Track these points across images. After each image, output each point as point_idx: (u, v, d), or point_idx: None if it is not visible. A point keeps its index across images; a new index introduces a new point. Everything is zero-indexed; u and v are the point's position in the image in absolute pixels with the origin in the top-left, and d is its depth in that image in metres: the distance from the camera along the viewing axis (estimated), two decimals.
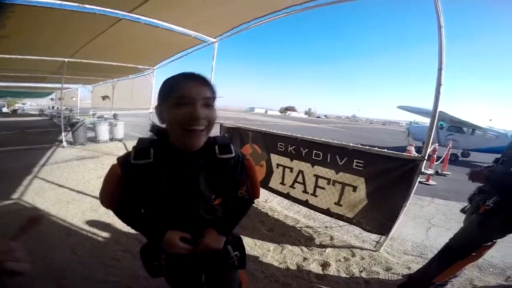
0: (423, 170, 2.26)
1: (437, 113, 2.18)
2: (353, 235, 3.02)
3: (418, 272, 2.16)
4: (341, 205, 2.83)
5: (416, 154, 2.40)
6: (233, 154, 0.98)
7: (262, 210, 3.61)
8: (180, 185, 0.90)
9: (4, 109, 25.67)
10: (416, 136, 13.09)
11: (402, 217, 2.46)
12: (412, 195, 2.34)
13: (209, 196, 0.95)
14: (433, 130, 2.23)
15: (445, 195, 5.20)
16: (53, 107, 24.22)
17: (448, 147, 8.20)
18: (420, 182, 2.33)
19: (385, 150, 2.48)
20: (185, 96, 0.79)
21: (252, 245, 2.66)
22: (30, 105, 35.88)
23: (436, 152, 6.35)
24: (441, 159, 6.94)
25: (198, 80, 0.82)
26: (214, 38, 4.57)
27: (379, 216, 2.56)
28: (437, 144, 7.60)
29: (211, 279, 1.17)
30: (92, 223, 2.94)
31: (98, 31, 4.20)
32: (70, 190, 4.00)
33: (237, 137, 4.23)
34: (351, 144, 2.70)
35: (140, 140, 0.92)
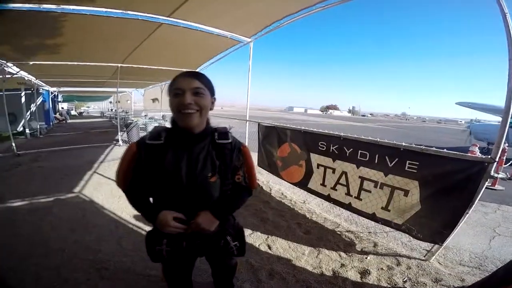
0: (492, 173, 1.93)
1: (511, 108, 1.84)
2: (400, 242, 2.75)
3: (474, 286, 1.84)
4: (389, 210, 2.58)
5: (481, 155, 2.07)
6: (230, 140, 1.15)
7: (300, 211, 3.48)
8: (182, 161, 1.05)
9: (73, 112, 29.28)
10: (479, 136, 11.56)
11: (461, 225, 2.16)
12: (477, 201, 2.02)
13: (206, 172, 1.08)
14: (506, 129, 1.89)
15: None
16: (111, 109, 26.88)
17: None
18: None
19: (445, 150, 2.18)
20: (178, 88, 1.00)
21: (285, 247, 2.57)
22: (93, 107, 40.33)
23: (506, 154, 5.51)
24: (510, 162, 6.06)
25: (189, 75, 1.03)
26: (249, 37, 4.61)
27: (434, 223, 2.28)
28: (506, 144, 6.61)
29: (212, 261, 1.41)
30: (138, 216, 3.11)
31: (143, 37, 4.52)
32: None
33: (275, 136, 4.16)
34: (404, 144, 2.43)
35: (155, 127, 1.14)
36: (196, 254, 1.25)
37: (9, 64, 6.19)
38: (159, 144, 1.06)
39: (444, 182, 2.18)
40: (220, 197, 1.14)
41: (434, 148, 2.24)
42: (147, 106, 17.86)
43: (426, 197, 2.30)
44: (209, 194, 1.10)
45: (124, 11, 3.34)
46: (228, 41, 4.81)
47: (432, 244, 2.37)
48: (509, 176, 6.25)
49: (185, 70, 1.09)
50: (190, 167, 1.06)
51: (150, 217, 1.10)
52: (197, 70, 1.09)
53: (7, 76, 6.50)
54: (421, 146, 2.33)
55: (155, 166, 1.05)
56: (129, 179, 1.12)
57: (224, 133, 1.15)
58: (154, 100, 16.07)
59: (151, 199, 1.17)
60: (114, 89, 12.91)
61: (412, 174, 2.36)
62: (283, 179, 4.10)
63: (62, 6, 3.08)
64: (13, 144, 6.71)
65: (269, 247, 2.55)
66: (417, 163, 2.32)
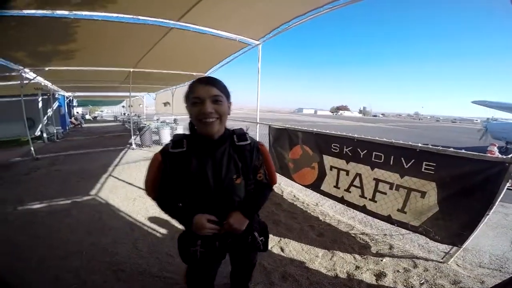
0: None
1: None
2: (417, 244, 2.69)
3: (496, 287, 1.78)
4: (405, 212, 2.53)
5: (500, 155, 2.00)
6: (249, 141, 1.19)
7: (312, 213, 3.45)
8: (207, 166, 1.09)
9: (87, 116, 30.04)
10: (497, 135, 11.15)
11: (480, 226, 2.10)
12: (498, 202, 1.96)
13: (231, 175, 1.12)
14: None
15: None
16: (124, 113, 27.38)
17: None
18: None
19: (463, 151, 2.12)
20: (197, 97, 1.02)
21: (298, 250, 2.56)
22: (106, 112, 41.21)
23: None
24: None
25: (207, 83, 1.03)
26: (257, 40, 4.64)
27: (453, 225, 2.22)
28: None
29: (236, 257, 1.45)
30: (153, 219, 3.18)
31: (154, 41, 4.61)
32: (137, 188, 4.42)
33: (286, 138, 4.14)
34: (420, 145, 2.37)
35: (176, 135, 1.17)
36: (226, 252, 1.29)
37: (26, 70, 6.41)
38: (183, 152, 1.10)
39: (462, 183, 2.12)
40: (246, 196, 1.19)
41: (451, 149, 2.18)
42: (158, 110, 18.13)
43: (444, 199, 2.24)
44: (236, 195, 1.15)
45: (135, 16, 3.41)
46: (236, 44, 4.84)
47: (451, 246, 2.32)
48: None
49: (201, 75, 1.08)
50: (216, 171, 1.10)
51: (185, 221, 1.14)
52: (211, 76, 1.06)
53: (24, 81, 6.73)
54: (438, 147, 2.27)
55: (182, 173, 1.09)
56: (157, 188, 1.17)
57: (242, 134, 1.20)
58: (165, 104, 16.30)
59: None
60: (127, 94, 13.15)
61: (429, 176, 2.30)
62: (295, 181, 4.08)
63: (74, 12, 3.16)
64: (32, 148, 6.96)
65: (282, 250, 2.54)
66: (434, 164, 2.26)
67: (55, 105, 13.14)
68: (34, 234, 2.77)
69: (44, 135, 10.23)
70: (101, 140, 10.96)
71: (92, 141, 10.64)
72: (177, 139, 1.13)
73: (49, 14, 3.11)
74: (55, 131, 11.15)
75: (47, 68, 6.32)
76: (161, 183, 1.15)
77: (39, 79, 7.94)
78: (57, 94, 13.56)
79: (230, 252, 1.33)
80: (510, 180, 1.89)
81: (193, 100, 1.03)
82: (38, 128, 11.41)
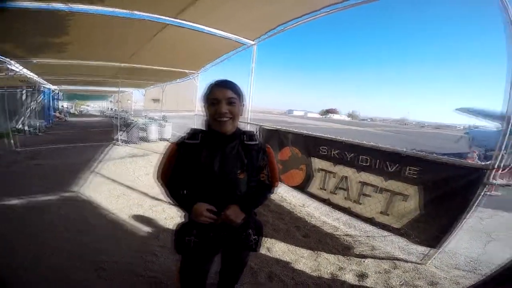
0: (491, 180, 1.95)
1: None
2: (397, 246, 2.77)
3: None
4: (387, 215, 2.60)
5: (479, 162, 2.10)
6: (257, 142, 1.31)
7: (299, 214, 3.49)
8: (215, 159, 1.20)
9: (72, 110, 29.09)
10: (479, 142, 11.56)
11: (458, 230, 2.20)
12: (474, 207, 2.06)
13: (236, 169, 1.23)
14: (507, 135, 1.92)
15: None
16: (111, 108, 26.70)
17: None
18: None
19: (445, 157, 2.20)
20: (214, 98, 1.15)
21: (284, 250, 2.59)
22: (93, 106, 40.11)
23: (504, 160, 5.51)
24: (509, 167, 6.04)
25: (223, 86, 1.17)
26: (253, 40, 4.64)
27: (432, 228, 2.31)
28: (505, 151, 6.63)
29: (227, 255, 1.48)
30: (137, 217, 3.13)
31: (147, 37, 4.53)
32: (121, 185, 4.33)
33: (276, 139, 4.16)
34: (405, 150, 2.47)
35: (192, 129, 1.30)
36: (219, 246, 1.34)
37: (13, 62, 6.17)
38: (196, 144, 1.22)
39: (443, 188, 2.21)
40: (247, 192, 1.28)
41: (434, 155, 2.27)
42: (147, 106, 17.77)
43: (425, 203, 2.33)
44: (237, 188, 1.25)
45: (131, 11, 3.35)
46: (232, 44, 4.84)
47: (429, 248, 2.40)
48: (506, 182, 6.26)
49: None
50: (222, 163, 1.20)
51: (186, 207, 1.23)
52: (228, 79, 1.22)
53: (10, 73, 6.49)
54: (422, 153, 2.35)
55: (192, 162, 1.20)
56: (168, 175, 1.28)
57: (251, 135, 1.32)
58: (155, 100, 16.00)
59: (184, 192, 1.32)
60: (115, 89, 12.86)
61: (411, 180, 2.38)
62: (282, 182, 4.10)
63: (70, 5, 3.07)
64: (12, 141, 6.73)
65: (268, 250, 2.56)
66: (417, 169, 2.35)
67: (40, 98, 12.70)
68: (12, 230, 2.66)
69: (26, 128, 9.88)
70: (85, 135, 10.67)
71: (76, 136, 10.35)
72: (193, 132, 1.26)
73: (44, 6, 3.02)
74: (37, 124, 10.78)
75: (35, 61, 6.09)
76: (173, 170, 1.26)
77: (25, 71, 7.67)
78: (42, 87, 13.09)
79: (223, 247, 1.36)
80: (487, 186, 1.98)
81: (210, 101, 1.16)
82: (20, 121, 11.01)
